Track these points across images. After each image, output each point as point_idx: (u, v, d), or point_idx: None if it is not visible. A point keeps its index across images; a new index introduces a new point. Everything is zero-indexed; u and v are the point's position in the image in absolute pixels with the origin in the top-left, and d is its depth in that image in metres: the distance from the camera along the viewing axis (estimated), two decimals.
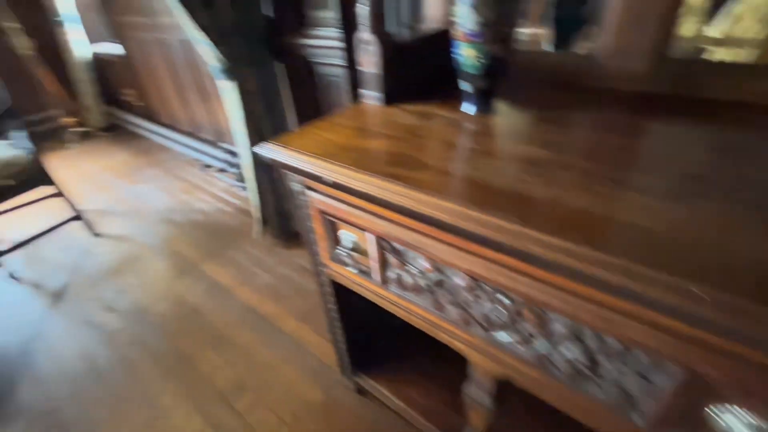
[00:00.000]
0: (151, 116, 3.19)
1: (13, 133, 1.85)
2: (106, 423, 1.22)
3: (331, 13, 1.26)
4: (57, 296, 1.71)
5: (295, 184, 0.78)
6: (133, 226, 2.16)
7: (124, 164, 2.89)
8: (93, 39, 3.29)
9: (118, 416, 1.23)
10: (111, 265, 1.87)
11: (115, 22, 2.79)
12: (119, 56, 2.99)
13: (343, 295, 0.95)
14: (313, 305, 1.55)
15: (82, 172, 2.82)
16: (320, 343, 1.40)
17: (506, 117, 0.76)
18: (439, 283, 0.64)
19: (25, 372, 1.39)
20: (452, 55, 0.74)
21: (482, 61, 0.69)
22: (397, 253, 0.67)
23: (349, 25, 1.25)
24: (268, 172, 1.67)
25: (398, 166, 0.61)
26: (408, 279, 0.69)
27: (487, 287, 0.57)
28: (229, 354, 1.39)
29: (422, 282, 0.67)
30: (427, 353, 1.18)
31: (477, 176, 0.57)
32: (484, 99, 0.76)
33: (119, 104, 3.52)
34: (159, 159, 2.91)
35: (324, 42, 1.31)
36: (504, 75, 0.72)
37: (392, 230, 0.64)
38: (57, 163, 2.87)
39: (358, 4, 0.77)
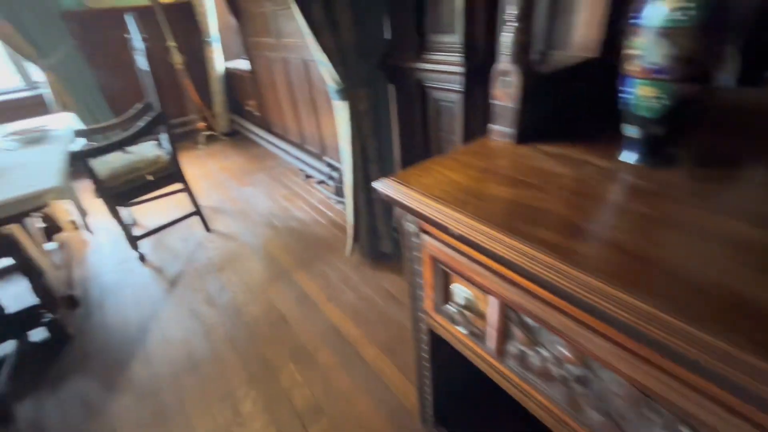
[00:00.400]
0: (266, 126, 3.50)
1: (160, 135, 2.14)
2: (194, 416, 1.28)
3: (454, 38, 1.19)
4: (172, 283, 1.91)
5: (408, 223, 0.71)
6: (238, 226, 2.34)
7: (238, 167, 3.20)
8: (228, 56, 3.75)
9: (205, 413, 1.29)
10: (217, 260, 2.04)
11: (247, 41, 3.13)
12: (247, 71, 3.35)
13: (440, 346, 0.85)
14: (396, 336, 1.48)
15: (205, 170, 3.19)
16: (401, 382, 1.31)
17: (686, 173, 0.60)
18: (582, 380, 0.51)
19: (139, 348, 1.56)
20: (616, 92, 0.61)
21: (664, 102, 0.55)
22: (526, 328, 0.56)
23: (470, 50, 1.17)
24: (365, 192, 1.67)
25: (545, 227, 0.50)
26: (535, 361, 0.57)
27: (664, 410, 0.42)
28: (309, 372, 1.38)
29: (556, 370, 0.54)
30: (520, 423, 1.02)
31: (663, 258, 0.43)
32: (656, 148, 0.61)
33: (241, 113, 3.95)
34: (268, 165, 3.17)
35: (442, 67, 1.25)
36: (693, 120, 0.57)
37: (526, 303, 0.52)
38: (187, 161, 3.29)
39: (503, 32, 0.69)
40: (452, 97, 1.28)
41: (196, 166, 3.28)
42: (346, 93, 1.45)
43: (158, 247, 2.20)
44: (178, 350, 1.54)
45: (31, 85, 3.25)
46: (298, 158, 2.92)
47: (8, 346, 1.55)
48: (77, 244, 2.24)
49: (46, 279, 1.58)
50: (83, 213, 1.31)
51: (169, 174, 2.05)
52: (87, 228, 1.40)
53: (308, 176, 2.80)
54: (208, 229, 2.30)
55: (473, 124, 1.29)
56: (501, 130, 0.76)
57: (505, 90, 0.73)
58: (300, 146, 2.97)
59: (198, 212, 2.24)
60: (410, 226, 0.71)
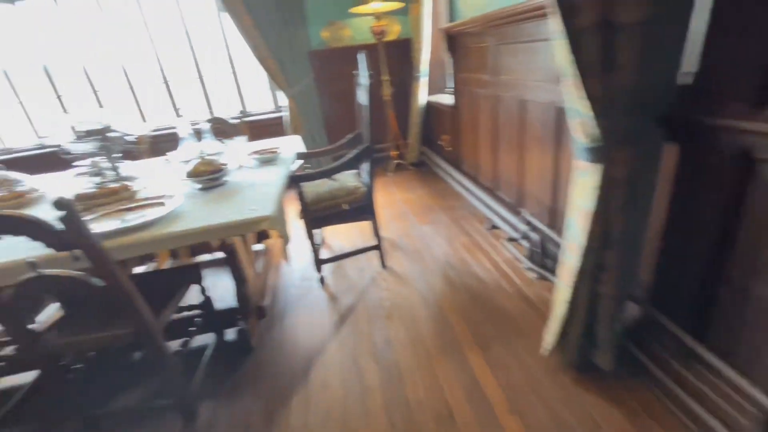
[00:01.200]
0: (456, 163, 3.35)
1: (363, 166, 2.19)
2: None
3: None
4: (342, 317, 1.86)
5: None
6: (413, 267, 2.19)
7: (421, 201, 3.13)
8: (431, 91, 3.80)
9: None
10: (387, 303, 1.91)
11: (457, 77, 3.05)
12: (448, 106, 3.28)
13: None
14: None
15: (389, 198, 3.24)
16: None
17: None
18: None
19: (302, 385, 1.51)
20: None
21: None
22: None
23: None
24: (592, 283, 1.21)
25: None
26: None
27: None
28: None
29: None
30: None
31: None
32: None
33: (433, 146, 3.94)
34: (451, 204, 2.98)
35: None
36: None
37: None
38: (375, 186, 3.43)
39: None
40: None
41: (381, 192, 3.37)
42: (601, 153, 1.06)
43: (337, 273, 2.24)
44: (335, 404, 1.41)
45: (278, 108, 3.99)
46: (486, 204, 2.62)
47: (208, 339, 1.75)
48: (278, 250, 2.51)
49: (247, 288, 1.72)
50: (286, 240, 1.30)
51: (362, 206, 2.05)
52: (285, 256, 1.43)
53: (494, 227, 2.46)
54: (384, 265, 2.22)
55: None
56: None
57: None
58: (491, 192, 2.66)
59: (378, 247, 2.18)
60: None
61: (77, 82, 3.60)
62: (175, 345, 1.72)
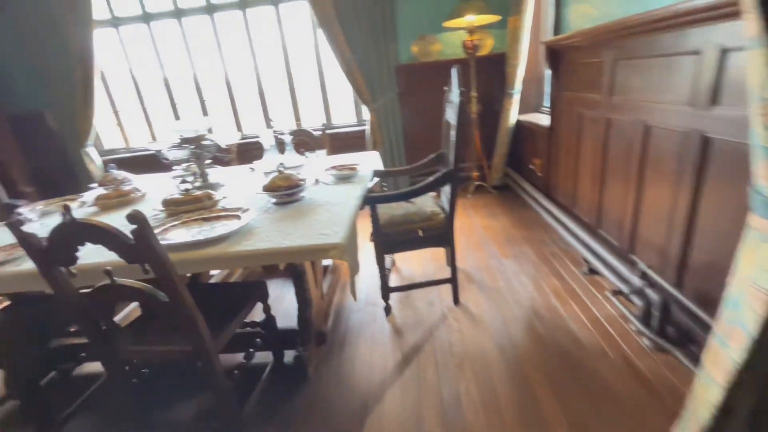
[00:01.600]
0: (547, 190, 2.99)
1: (444, 190, 2.00)
2: None
3: None
4: (406, 359, 1.67)
5: None
6: (490, 309, 1.92)
7: (503, 229, 2.82)
8: (523, 109, 3.48)
9: None
10: (458, 349, 1.68)
11: (558, 95, 2.72)
12: (543, 127, 2.94)
13: None
14: None
15: (467, 223, 2.99)
16: None
17: None
18: None
19: (355, 429, 1.35)
20: None
21: None
22: None
23: None
24: (764, 394, 0.86)
25: None
26: None
27: None
28: None
29: None
30: None
31: None
32: None
33: (520, 169, 3.60)
34: (539, 238, 2.64)
35: None
36: None
37: None
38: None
39: None
40: None
41: (458, 215, 3.13)
42: None
43: (404, 303, 2.06)
44: None
45: (361, 122, 3.99)
46: (584, 243, 2.25)
47: (267, 356, 1.68)
48: (345, 270, 2.42)
49: (311, 312, 1.62)
50: (354, 271, 1.16)
51: (439, 234, 1.86)
52: (353, 290, 1.30)
53: (593, 271, 2.08)
54: (457, 300, 1.99)
55: None
56: None
57: None
58: (592, 229, 2.28)
59: (453, 280, 1.96)
60: None
61: (190, 92, 4.00)
62: (233, 359, 1.68)
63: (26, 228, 1.02)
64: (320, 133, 2.59)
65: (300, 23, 3.73)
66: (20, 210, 1.74)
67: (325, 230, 1.25)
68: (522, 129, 3.45)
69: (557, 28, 2.86)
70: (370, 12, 3.31)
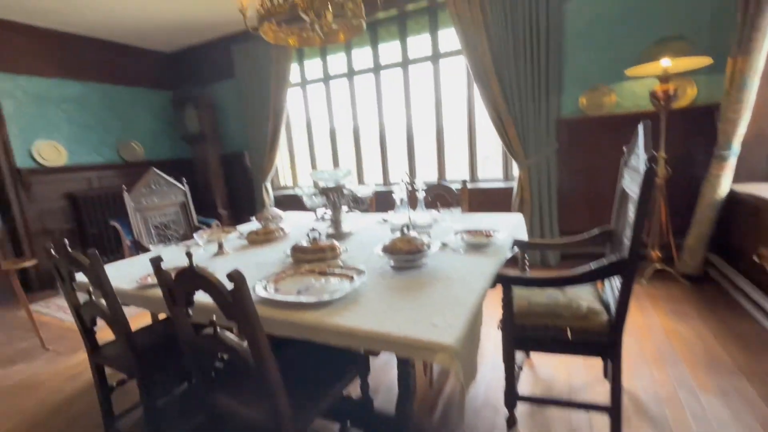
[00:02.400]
0: None
1: (612, 280, 1.50)
2: None
3: None
4: None
5: None
6: None
7: (701, 343, 1.99)
8: (742, 177, 2.56)
9: None
10: None
11: None
12: None
13: None
14: None
15: (639, 321, 2.24)
16: None
17: None
18: None
19: None
20: None
21: None
22: None
23: None
24: None
25: None
26: None
27: None
28: None
29: None
30: None
31: None
32: None
33: (731, 258, 2.61)
34: (766, 365, 1.74)
35: None
36: None
37: None
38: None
39: None
40: None
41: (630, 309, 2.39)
42: None
43: (536, 419, 1.57)
44: None
45: (508, 179, 3.64)
46: None
47: None
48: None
49: (411, 406, 1.35)
50: (467, 382, 0.85)
51: (596, 342, 1.36)
52: (461, 405, 0.98)
53: None
54: None
55: None
56: None
57: None
58: None
59: (613, 410, 1.39)
60: None
61: (347, 139, 4.44)
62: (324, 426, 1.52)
63: (193, 250, 1.10)
64: (460, 187, 2.38)
65: (455, 78, 3.74)
66: (196, 234, 2.05)
67: (437, 318, 0.99)
68: (740, 203, 2.51)
69: None
70: (534, 62, 3.05)
